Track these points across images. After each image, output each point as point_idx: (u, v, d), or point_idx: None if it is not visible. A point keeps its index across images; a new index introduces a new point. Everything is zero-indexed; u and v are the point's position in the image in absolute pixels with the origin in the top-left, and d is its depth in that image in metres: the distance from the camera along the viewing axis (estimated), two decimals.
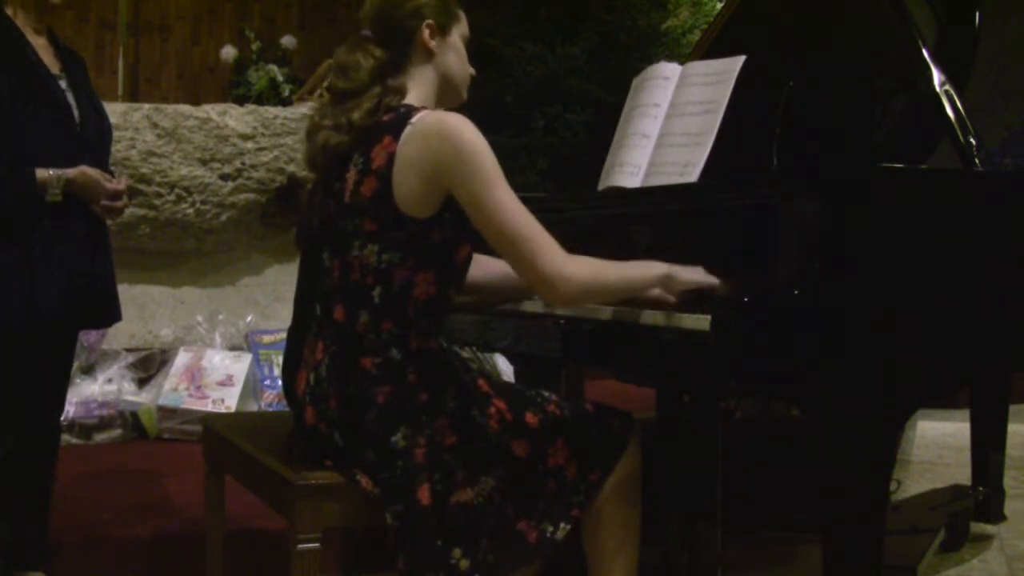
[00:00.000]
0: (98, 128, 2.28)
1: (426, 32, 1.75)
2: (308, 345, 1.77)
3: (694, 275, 1.71)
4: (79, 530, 2.49)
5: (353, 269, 1.67)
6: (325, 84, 5.05)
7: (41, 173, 2.10)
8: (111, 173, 2.29)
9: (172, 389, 3.51)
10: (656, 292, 1.73)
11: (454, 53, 1.80)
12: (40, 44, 2.21)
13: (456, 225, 1.65)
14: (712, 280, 1.70)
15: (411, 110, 1.68)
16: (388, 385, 1.64)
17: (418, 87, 1.76)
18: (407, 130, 1.63)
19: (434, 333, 1.70)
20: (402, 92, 1.74)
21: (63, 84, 2.21)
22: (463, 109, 1.87)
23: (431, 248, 1.65)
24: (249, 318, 3.91)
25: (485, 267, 1.91)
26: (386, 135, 1.65)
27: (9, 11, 2.18)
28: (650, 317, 1.72)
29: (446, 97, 1.81)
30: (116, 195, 2.23)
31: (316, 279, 1.76)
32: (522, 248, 1.60)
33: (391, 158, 1.63)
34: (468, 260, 1.73)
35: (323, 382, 1.69)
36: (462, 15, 1.83)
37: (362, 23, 1.79)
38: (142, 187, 3.71)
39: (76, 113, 2.21)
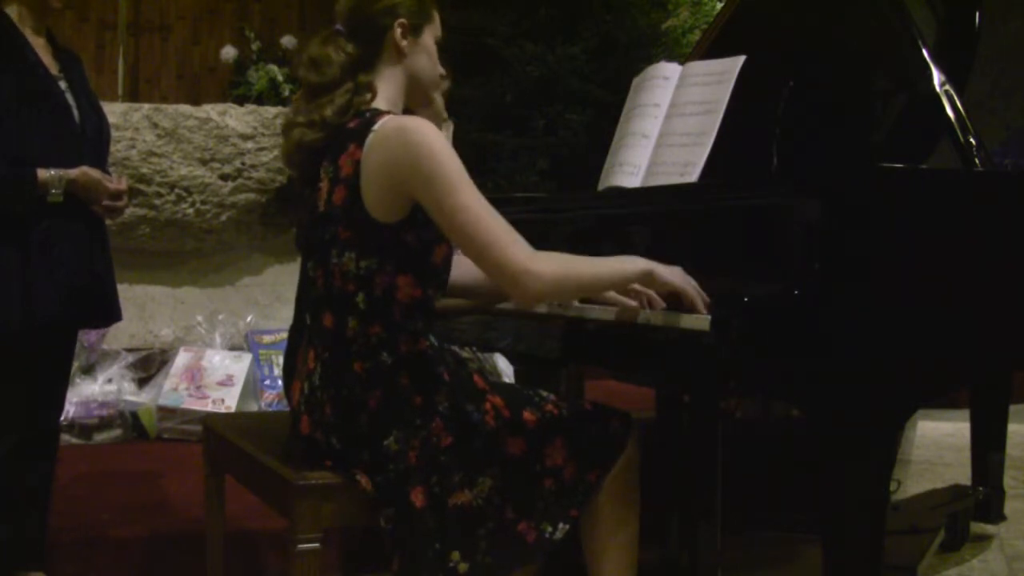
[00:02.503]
0: (98, 128, 2.28)
1: (398, 31, 1.75)
2: (301, 355, 1.76)
3: (674, 276, 1.69)
4: (79, 530, 2.49)
5: (335, 276, 1.67)
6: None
7: (42, 173, 2.10)
8: (109, 173, 2.29)
9: (172, 389, 3.50)
10: (636, 288, 1.72)
11: (425, 54, 1.79)
12: (39, 44, 2.21)
13: (431, 226, 1.64)
14: (689, 285, 1.67)
15: (375, 115, 1.67)
16: (379, 389, 1.64)
17: (386, 86, 1.76)
18: (370, 137, 1.63)
19: (424, 334, 1.69)
20: (372, 90, 1.74)
21: (63, 85, 2.21)
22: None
23: (407, 251, 1.65)
24: (249, 318, 3.91)
25: (464, 267, 1.87)
26: (351, 143, 1.65)
27: (9, 11, 2.18)
28: (649, 317, 1.72)
29: (414, 98, 1.80)
30: (117, 195, 2.24)
31: (307, 288, 1.76)
32: (487, 247, 1.58)
33: (357, 166, 1.63)
34: (448, 259, 1.72)
35: (316, 390, 1.69)
36: (436, 16, 1.82)
37: (337, 17, 1.79)
38: (142, 187, 3.70)
39: (76, 113, 2.21)
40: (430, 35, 1.80)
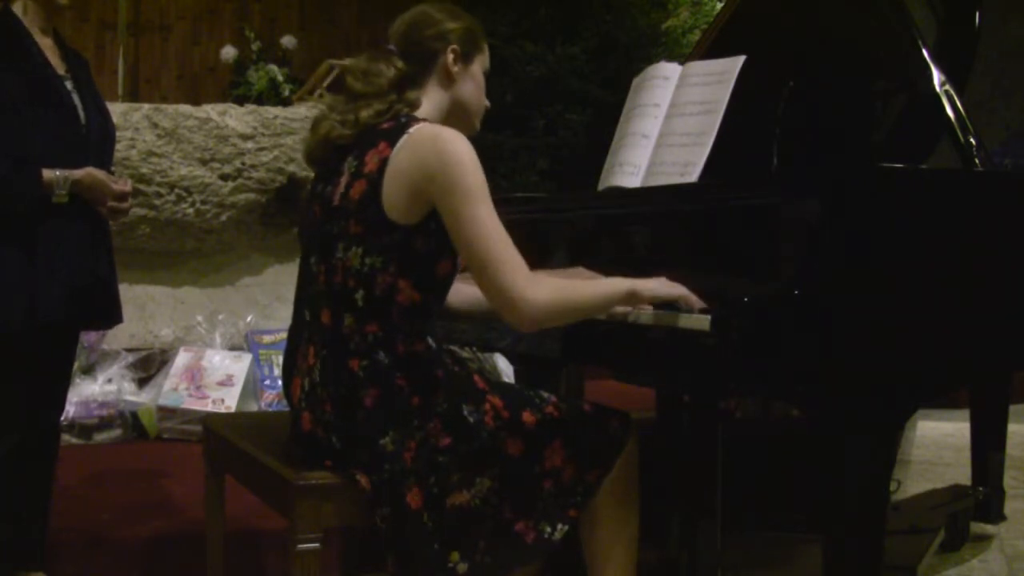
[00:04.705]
0: (102, 129, 2.28)
1: (450, 57, 1.78)
2: (301, 352, 1.77)
3: (657, 288, 1.70)
4: (79, 530, 2.49)
5: (336, 272, 1.67)
6: (325, 84, 5.05)
7: (47, 173, 2.10)
8: (113, 175, 2.29)
9: (172, 389, 3.50)
10: (621, 310, 1.74)
11: (472, 83, 1.83)
12: (46, 44, 2.21)
13: (441, 236, 1.65)
14: (676, 291, 1.69)
15: (411, 120, 1.70)
16: (375, 388, 1.64)
17: (430, 105, 1.78)
18: (403, 139, 1.65)
19: (423, 335, 1.69)
20: (415, 105, 1.76)
21: (69, 85, 2.21)
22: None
23: (414, 256, 1.66)
24: (249, 318, 3.91)
25: (459, 293, 1.90)
26: (382, 141, 1.67)
27: (17, 10, 2.18)
28: (649, 317, 1.72)
29: (456, 123, 1.80)
30: (122, 196, 2.24)
31: (307, 285, 1.76)
32: (490, 265, 1.60)
33: (383, 163, 1.64)
34: (450, 275, 1.73)
35: (316, 387, 1.69)
36: (486, 48, 1.86)
37: (390, 38, 1.81)
38: (142, 187, 3.71)
39: (81, 114, 2.21)
40: (479, 65, 1.84)
